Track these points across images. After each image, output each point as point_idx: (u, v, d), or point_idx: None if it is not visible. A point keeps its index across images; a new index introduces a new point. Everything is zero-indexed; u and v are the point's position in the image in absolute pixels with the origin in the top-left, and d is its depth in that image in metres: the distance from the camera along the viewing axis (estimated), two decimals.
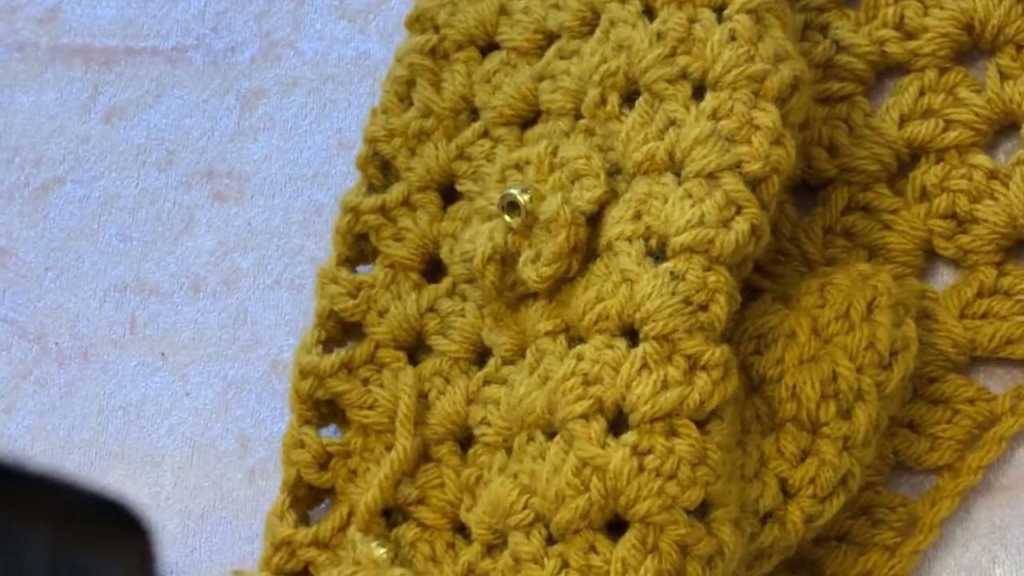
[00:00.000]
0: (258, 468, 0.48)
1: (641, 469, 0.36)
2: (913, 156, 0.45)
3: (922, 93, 0.45)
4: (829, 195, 0.45)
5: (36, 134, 0.54)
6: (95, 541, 0.26)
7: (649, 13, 0.42)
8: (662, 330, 0.37)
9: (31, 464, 0.25)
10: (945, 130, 0.45)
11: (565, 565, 0.36)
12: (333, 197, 0.50)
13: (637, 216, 0.39)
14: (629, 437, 0.37)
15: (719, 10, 0.41)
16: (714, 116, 0.39)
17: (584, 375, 0.38)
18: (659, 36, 0.41)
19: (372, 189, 0.47)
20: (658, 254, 0.39)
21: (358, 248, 0.46)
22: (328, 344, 0.46)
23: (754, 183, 0.39)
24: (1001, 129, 0.45)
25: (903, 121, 0.45)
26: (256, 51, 0.52)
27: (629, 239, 0.39)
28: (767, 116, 0.39)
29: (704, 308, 0.38)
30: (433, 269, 0.46)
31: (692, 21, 0.41)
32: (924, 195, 0.45)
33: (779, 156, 0.39)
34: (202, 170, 0.52)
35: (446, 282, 0.45)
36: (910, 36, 0.46)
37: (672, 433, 0.36)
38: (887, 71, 0.46)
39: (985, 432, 0.42)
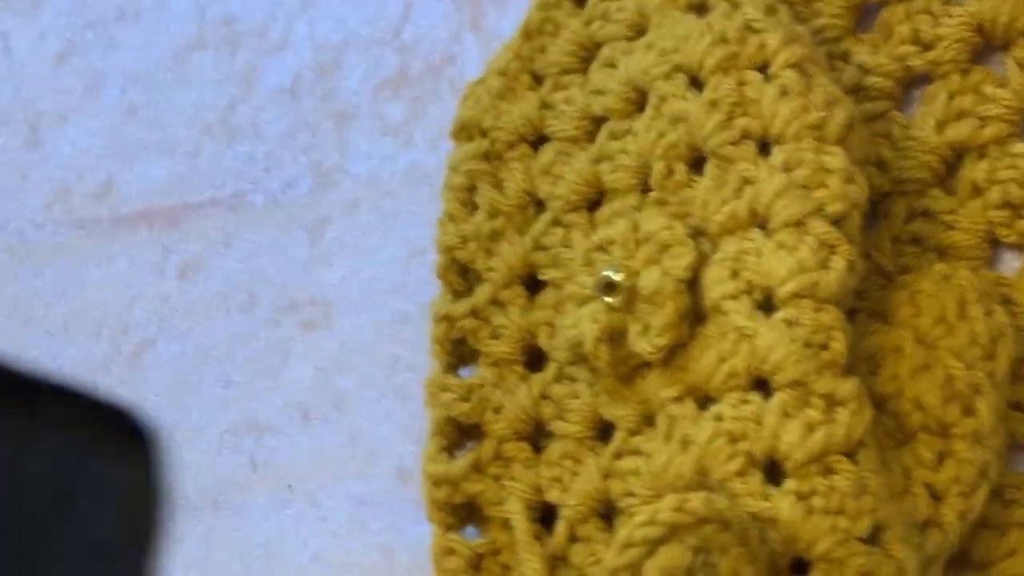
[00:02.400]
0: None
1: (810, 512, 0.39)
2: (957, 156, 0.48)
3: (951, 97, 0.48)
4: (889, 208, 0.48)
5: (116, 303, 0.56)
6: (102, 447, 0.26)
7: (696, 83, 0.44)
8: (793, 376, 0.40)
9: (38, 370, 0.26)
10: (981, 127, 0.47)
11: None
12: (416, 304, 0.52)
13: (735, 274, 0.42)
14: (790, 484, 0.39)
15: (762, 69, 0.43)
16: (786, 168, 0.42)
17: (729, 433, 0.40)
18: (712, 104, 0.44)
19: (457, 295, 0.49)
20: (765, 306, 0.42)
21: (458, 353, 0.49)
22: (450, 449, 0.48)
23: (838, 222, 0.42)
24: None
25: (940, 126, 0.48)
26: (312, 182, 0.55)
27: (734, 297, 0.42)
28: (835, 159, 0.42)
29: (825, 347, 0.40)
30: (534, 359, 0.48)
31: (742, 84, 0.43)
32: (976, 190, 0.47)
33: (855, 192, 0.42)
34: (286, 304, 0.54)
35: (551, 368, 0.47)
36: (927, 47, 0.48)
37: (828, 471, 0.39)
38: (912, 83, 0.49)
39: None
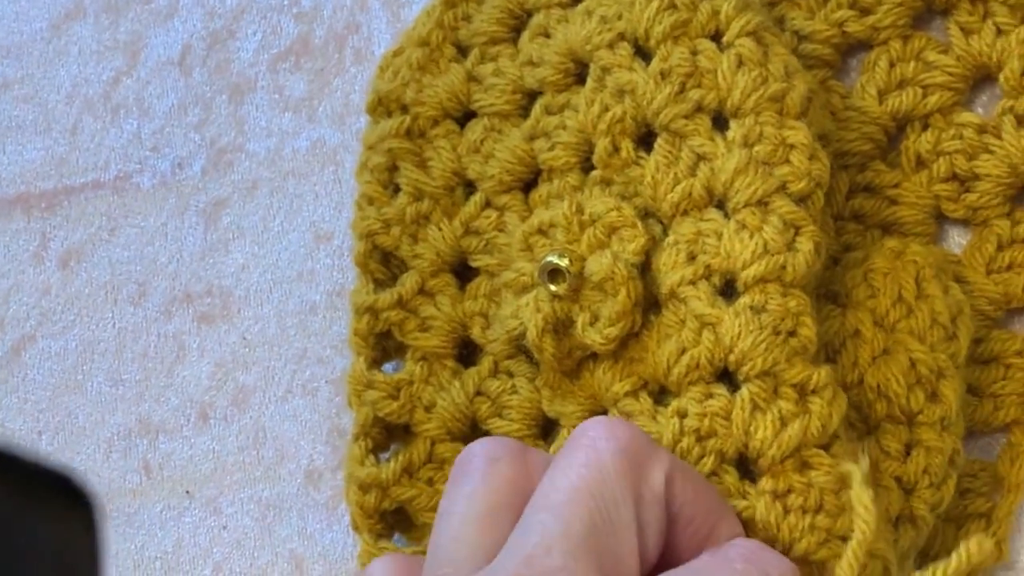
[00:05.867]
0: None
1: (787, 511, 0.36)
2: (899, 127, 0.46)
3: (892, 65, 0.46)
4: (830, 184, 0.45)
5: None
6: (40, 509, 0.26)
7: (642, 54, 0.41)
8: (763, 366, 0.37)
9: None
10: (925, 96, 0.45)
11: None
12: (323, 292, 0.49)
13: (691, 257, 0.39)
14: (765, 484, 0.37)
15: (715, 38, 0.41)
16: (746, 143, 0.39)
17: (696, 431, 0.37)
18: (663, 74, 0.41)
19: (379, 284, 0.45)
20: (726, 291, 0.39)
21: (382, 347, 0.45)
22: (376, 452, 0.45)
23: (801, 200, 0.39)
24: (975, 84, 0.46)
25: (881, 95, 0.46)
26: (205, 162, 0.51)
27: (692, 282, 0.39)
28: (798, 134, 0.39)
29: (793, 334, 0.38)
30: (466, 352, 0.45)
31: (694, 53, 0.40)
32: (921, 163, 0.45)
33: (819, 170, 0.39)
34: (180, 295, 0.50)
35: (486, 362, 0.44)
36: (866, 12, 0.46)
37: (805, 466, 0.37)
38: (850, 50, 0.47)
39: None
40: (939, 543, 0.42)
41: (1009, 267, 0.44)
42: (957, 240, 0.46)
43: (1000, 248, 0.45)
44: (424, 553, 0.43)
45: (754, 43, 0.40)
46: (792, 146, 0.39)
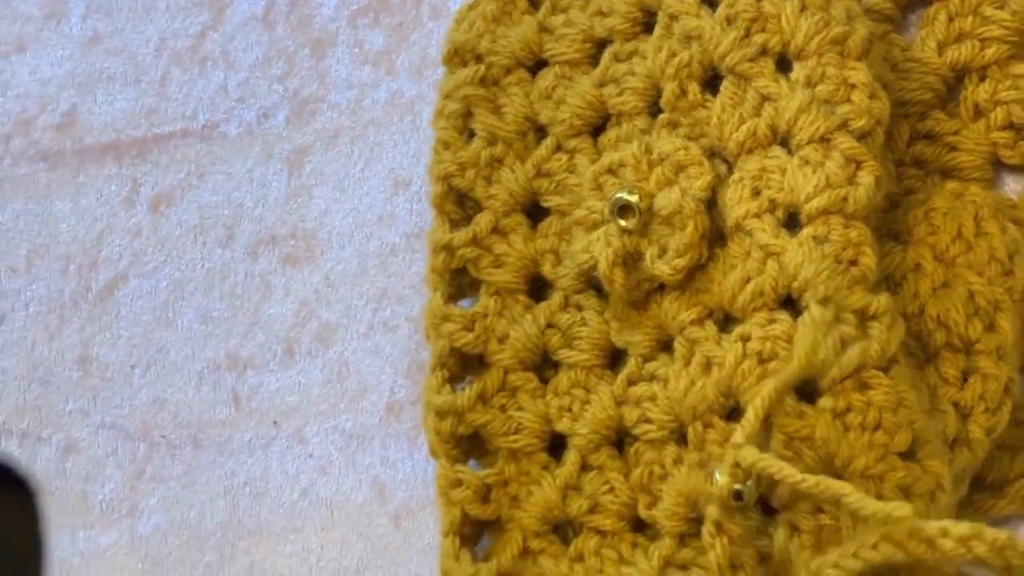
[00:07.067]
0: (401, 511, 0.49)
1: (847, 428, 0.38)
2: (958, 79, 0.48)
3: (951, 19, 0.48)
4: (891, 130, 0.47)
5: (85, 238, 0.54)
6: None
7: (709, 2, 0.44)
8: (824, 292, 0.39)
9: None
10: (982, 49, 0.47)
11: (794, 528, 0.38)
12: (402, 234, 0.51)
13: (756, 192, 0.41)
14: (826, 402, 0.39)
15: None
16: (808, 84, 0.41)
17: (758, 354, 0.39)
18: (728, 20, 0.43)
19: (454, 224, 0.48)
20: (789, 224, 0.41)
21: (458, 283, 0.47)
22: (452, 381, 0.47)
23: (863, 137, 0.41)
24: None
25: (941, 48, 0.48)
26: (289, 112, 0.53)
27: (758, 215, 0.41)
28: (859, 74, 0.41)
29: (854, 263, 0.40)
30: (537, 289, 0.47)
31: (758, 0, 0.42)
32: (979, 112, 0.47)
33: (879, 108, 0.41)
34: (265, 237, 0.52)
35: (557, 297, 0.46)
36: None
37: (864, 387, 0.39)
38: (910, 6, 0.49)
39: None
40: (995, 470, 0.44)
41: None
42: (1012, 187, 0.48)
43: None
44: (500, 479, 0.46)
45: None
46: (853, 85, 0.41)
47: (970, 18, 0.48)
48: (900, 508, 0.35)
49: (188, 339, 0.52)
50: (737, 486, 0.37)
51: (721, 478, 0.37)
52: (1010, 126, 0.47)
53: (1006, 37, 0.47)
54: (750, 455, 0.36)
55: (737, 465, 0.37)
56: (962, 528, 0.35)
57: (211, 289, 0.52)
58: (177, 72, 0.54)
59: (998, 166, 0.48)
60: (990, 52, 0.47)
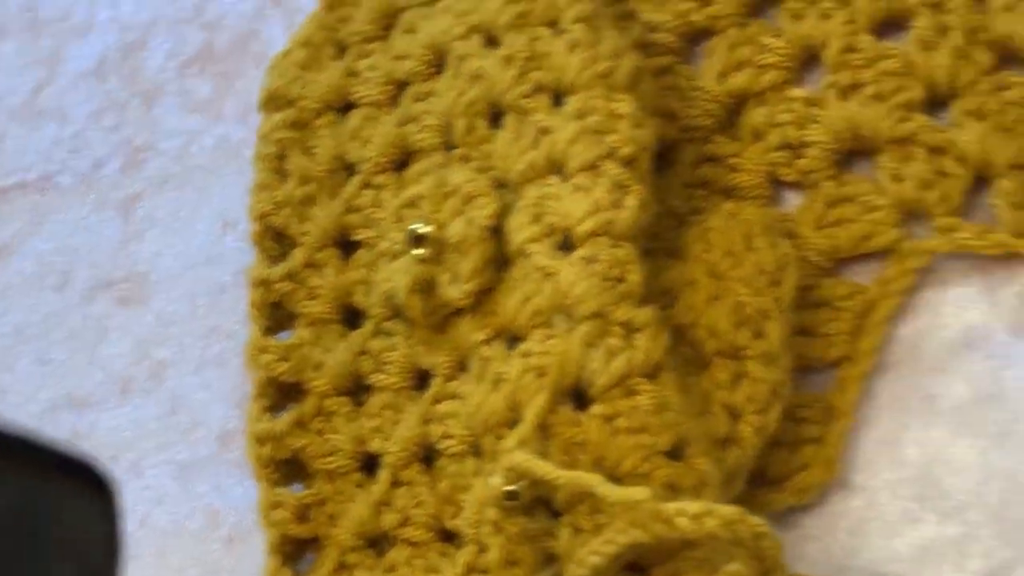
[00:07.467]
0: (233, 534, 0.51)
1: (616, 432, 0.41)
2: (738, 104, 0.51)
3: (731, 49, 0.51)
4: (678, 155, 0.51)
5: None
6: (61, 495, 0.27)
7: (492, 42, 0.47)
8: (593, 308, 0.42)
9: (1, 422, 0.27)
10: (760, 75, 0.51)
11: (576, 529, 0.41)
12: (231, 273, 0.54)
13: (536, 219, 0.44)
14: (597, 408, 0.41)
15: (553, 24, 0.46)
16: (579, 115, 0.44)
17: (537, 368, 0.42)
18: (507, 60, 0.46)
19: (273, 260, 0.50)
20: (566, 246, 0.44)
21: (275, 317, 0.50)
22: (272, 410, 0.49)
23: (629, 163, 0.44)
24: (804, 63, 0.51)
25: (721, 76, 0.51)
26: (121, 161, 0.56)
27: (537, 240, 0.44)
28: (624, 105, 0.44)
29: (621, 280, 0.43)
30: (351, 318, 0.50)
31: (533, 40, 0.46)
32: (757, 134, 0.51)
33: (644, 136, 0.44)
34: (100, 282, 0.55)
35: (368, 325, 0.49)
36: (707, 3, 0.51)
37: (631, 393, 0.42)
38: (695, 38, 0.52)
39: (866, 320, 0.48)
40: (774, 466, 0.47)
41: (836, 223, 0.50)
42: (792, 201, 0.51)
43: (829, 206, 0.50)
44: (317, 499, 0.48)
45: (585, 28, 0.45)
46: (620, 116, 0.44)
47: (748, 47, 0.51)
48: (639, 492, 0.38)
49: (28, 381, 0.54)
50: (510, 487, 0.40)
51: (494, 480, 0.40)
52: (786, 145, 0.50)
53: (781, 63, 0.51)
54: (518, 457, 0.39)
55: (511, 468, 0.40)
56: (695, 506, 0.38)
57: (49, 333, 0.55)
58: (13, 127, 0.57)
59: (777, 184, 0.51)
60: (767, 78, 0.51)
